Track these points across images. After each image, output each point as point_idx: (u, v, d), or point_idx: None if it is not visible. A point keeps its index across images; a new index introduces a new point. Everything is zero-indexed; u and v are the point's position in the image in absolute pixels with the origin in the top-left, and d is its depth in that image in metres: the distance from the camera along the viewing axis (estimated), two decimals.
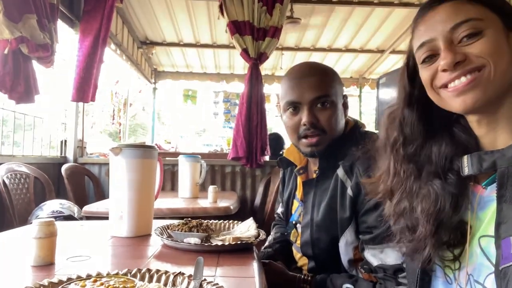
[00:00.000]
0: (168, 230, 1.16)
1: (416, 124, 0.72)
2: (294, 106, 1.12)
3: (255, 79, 3.32)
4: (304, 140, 1.11)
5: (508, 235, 0.56)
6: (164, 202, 2.08)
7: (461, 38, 0.63)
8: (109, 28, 2.94)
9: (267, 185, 3.21)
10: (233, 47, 3.64)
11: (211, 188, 2.25)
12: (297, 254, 1.27)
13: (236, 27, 3.30)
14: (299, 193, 1.26)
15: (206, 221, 1.22)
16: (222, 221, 1.29)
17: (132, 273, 0.71)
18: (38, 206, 2.20)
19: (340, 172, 1.07)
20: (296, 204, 1.30)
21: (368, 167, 0.97)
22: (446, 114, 0.70)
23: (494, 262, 0.58)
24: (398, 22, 4.29)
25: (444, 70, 0.64)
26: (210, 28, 4.54)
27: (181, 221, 1.19)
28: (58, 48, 2.41)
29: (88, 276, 0.65)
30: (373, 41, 4.97)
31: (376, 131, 0.96)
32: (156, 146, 1.31)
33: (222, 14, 3.36)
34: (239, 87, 6.35)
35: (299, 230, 1.22)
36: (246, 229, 1.16)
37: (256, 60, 3.33)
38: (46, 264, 0.85)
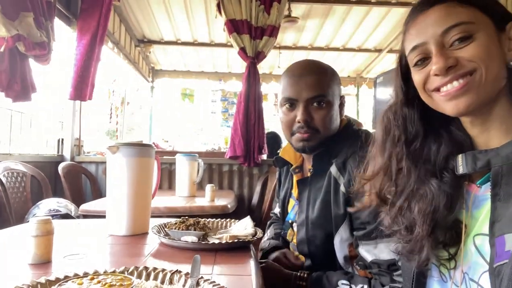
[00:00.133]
0: (165, 229, 1.16)
1: (418, 122, 0.73)
2: (290, 103, 1.14)
3: (252, 78, 3.32)
4: (297, 135, 1.13)
5: (502, 233, 0.57)
6: (161, 201, 2.08)
7: (452, 42, 0.63)
8: (107, 26, 2.93)
9: (264, 184, 3.22)
10: (231, 46, 3.64)
11: (208, 187, 2.25)
12: (293, 253, 1.28)
13: (234, 26, 3.30)
14: (295, 192, 1.27)
15: (203, 219, 1.23)
16: (219, 219, 1.29)
17: (129, 271, 0.71)
18: (35, 205, 2.20)
19: (333, 169, 1.09)
20: (292, 202, 1.31)
21: (360, 163, 0.98)
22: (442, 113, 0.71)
23: (488, 260, 0.59)
24: (395, 21, 4.30)
25: (436, 75, 0.65)
26: (207, 26, 4.54)
27: (178, 219, 1.20)
28: (55, 46, 2.40)
29: (85, 274, 0.65)
30: (371, 40, 4.98)
31: (373, 130, 0.97)
32: (153, 145, 1.31)
33: (220, 12, 3.36)
34: (237, 86, 6.35)
35: (295, 229, 1.23)
36: (243, 227, 1.16)
37: (253, 59, 3.33)
38: (43, 262, 0.86)
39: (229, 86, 6.69)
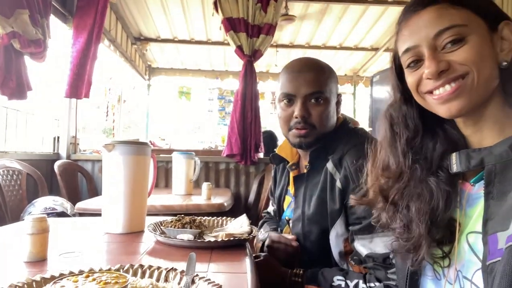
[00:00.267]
0: (161, 227, 1.16)
1: (417, 119, 0.73)
2: (289, 98, 1.16)
3: (249, 76, 3.32)
4: (293, 131, 1.15)
5: (495, 231, 0.57)
6: (158, 199, 2.08)
7: (445, 45, 0.64)
8: (103, 23, 2.92)
9: (261, 182, 3.22)
10: (228, 44, 3.64)
11: (205, 185, 2.25)
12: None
13: (231, 24, 3.30)
14: (291, 189, 1.28)
15: (199, 217, 1.23)
16: (215, 217, 1.29)
17: (125, 268, 0.71)
18: (30, 203, 2.20)
19: (329, 165, 1.10)
20: (288, 199, 1.32)
21: (356, 159, 1.01)
22: None
23: (481, 258, 0.59)
24: (392, 20, 4.30)
25: (428, 78, 0.65)
26: (204, 24, 4.53)
27: (174, 217, 1.20)
28: (51, 43, 2.39)
29: (81, 272, 0.65)
30: (367, 39, 4.98)
31: (369, 129, 0.97)
32: (149, 143, 1.31)
33: (217, 10, 3.36)
34: (234, 84, 6.34)
35: (291, 226, 1.24)
36: (239, 225, 1.17)
37: (250, 57, 3.33)
38: (39, 260, 0.86)
39: (226, 84, 6.69)
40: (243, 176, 3.42)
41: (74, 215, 2.11)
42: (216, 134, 6.99)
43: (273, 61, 5.53)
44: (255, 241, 1.34)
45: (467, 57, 0.62)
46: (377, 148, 0.79)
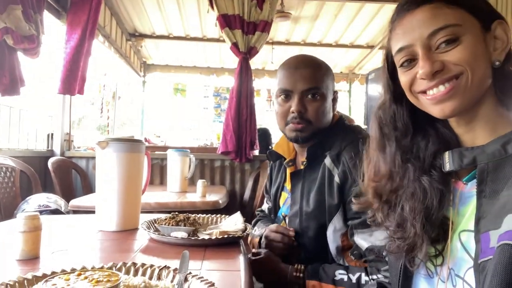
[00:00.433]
0: (155, 224, 1.16)
1: (406, 119, 0.73)
2: (286, 94, 1.18)
3: (245, 73, 3.31)
4: (290, 125, 1.17)
5: (487, 230, 0.57)
6: (152, 196, 2.07)
7: (439, 45, 0.63)
8: (97, 19, 2.89)
9: (256, 179, 3.22)
10: (223, 41, 3.63)
11: (200, 182, 2.25)
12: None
13: (226, 21, 3.28)
14: (288, 185, 1.29)
15: (193, 215, 1.23)
16: (209, 215, 1.29)
17: (117, 266, 0.71)
18: (24, 200, 2.18)
19: (327, 161, 1.12)
20: (284, 196, 1.33)
21: (354, 154, 1.02)
22: None
23: (473, 256, 0.59)
24: (387, 17, 4.24)
25: (422, 78, 0.65)
26: (200, 21, 4.51)
27: (168, 215, 1.20)
28: (45, 39, 2.37)
29: (73, 270, 0.65)
30: (363, 36, 4.99)
31: (365, 126, 0.98)
32: (143, 140, 1.31)
33: (212, 7, 3.34)
34: (230, 81, 6.32)
35: (288, 221, 1.25)
36: (233, 223, 1.17)
37: (246, 54, 3.32)
38: (31, 258, 0.85)
39: (221, 81, 6.67)
40: (238, 173, 3.42)
41: (68, 212, 2.10)
42: (211, 131, 6.97)
43: (268, 58, 5.51)
44: (250, 237, 1.34)
45: (461, 57, 0.62)
46: (369, 148, 0.79)
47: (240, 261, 0.89)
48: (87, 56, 2.82)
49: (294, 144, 1.28)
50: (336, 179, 1.08)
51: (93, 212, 1.28)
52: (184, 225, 1.11)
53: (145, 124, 6.48)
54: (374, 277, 0.98)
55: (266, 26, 3.34)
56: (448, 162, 0.66)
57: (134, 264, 0.72)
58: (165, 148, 3.35)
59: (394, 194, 0.74)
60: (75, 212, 1.87)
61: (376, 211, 0.77)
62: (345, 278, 1.02)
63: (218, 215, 1.29)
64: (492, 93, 0.65)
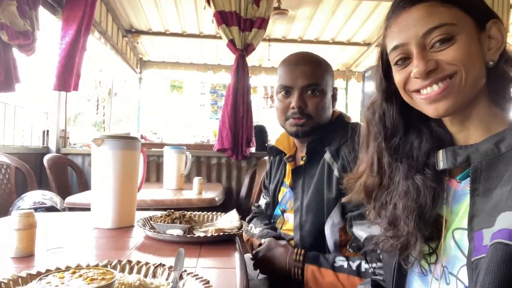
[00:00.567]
0: (151, 222, 1.16)
1: (397, 117, 0.73)
2: (286, 90, 1.21)
3: (241, 70, 3.30)
4: (290, 120, 1.20)
5: (480, 228, 0.58)
6: (148, 193, 2.07)
7: (433, 44, 0.64)
8: (93, 15, 2.88)
9: (252, 176, 3.22)
10: (220, 38, 3.61)
11: (196, 180, 2.25)
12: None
13: (223, 18, 3.27)
14: (287, 180, 1.31)
15: (189, 212, 1.23)
16: (205, 212, 1.29)
17: (112, 264, 0.71)
18: (19, 197, 2.17)
19: (327, 156, 1.14)
20: (283, 190, 1.34)
21: (354, 149, 1.03)
22: None
23: (467, 254, 0.60)
24: (384, 15, 4.29)
25: (416, 77, 0.65)
26: (196, 17, 4.49)
27: (164, 212, 1.19)
28: (40, 35, 2.35)
29: (67, 268, 0.65)
30: (360, 34, 4.99)
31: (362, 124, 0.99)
32: (139, 137, 1.30)
33: (209, 3, 3.32)
34: (226, 78, 6.31)
35: (285, 217, 1.27)
36: (229, 220, 1.17)
37: (242, 51, 3.31)
38: (26, 255, 0.85)
39: (218, 78, 6.65)
40: (235, 170, 3.42)
41: (63, 209, 2.09)
42: (208, 128, 6.96)
43: (265, 55, 5.50)
44: (246, 235, 1.35)
45: (455, 56, 0.62)
46: (360, 147, 0.80)
47: (236, 259, 0.89)
48: (82, 52, 2.81)
49: (294, 139, 1.30)
50: (336, 173, 1.10)
51: (89, 209, 1.27)
52: (180, 223, 1.11)
53: (142, 121, 6.46)
54: (374, 265, 0.99)
55: (263, 23, 3.33)
56: (441, 160, 0.66)
57: (129, 261, 0.72)
58: (161, 145, 3.35)
59: (384, 192, 0.74)
60: (70, 209, 1.87)
61: (368, 209, 0.78)
62: (345, 265, 1.03)
63: (214, 213, 1.29)
64: (486, 92, 0.66)
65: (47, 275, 0.59)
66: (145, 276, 0.69)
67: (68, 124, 3.35)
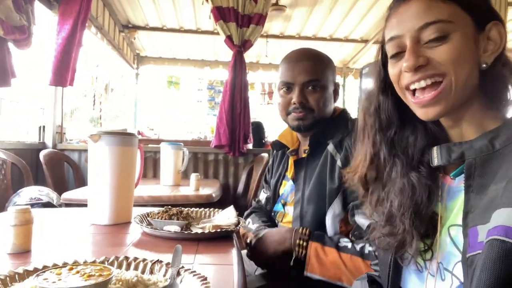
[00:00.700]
0: (148, 218, 1.16)
1: (392, 110, 0.73)
2: (287, 87, 1.23)
3: (239, 66, 3.30)
4: (292, 114, 1.22)
5: (475, 224, 0.58)
6: (145, 190, 2.07)
7: (428, 39, 0.63)
8: (89, 10, 2.85)
9: (249, 173, 3.23)
10: (217, 34, 3.60)
11: (193, 176, 2.25)
12: None
13: (220, 13, 3.26)
14: (289, 173, 1.32)
15: (186, 209, 1.23)
16: (202, 209, 1.29)
17: (110, 261, 0.71)
18: (15, 193, 2.16)
19: (330, 147, 1.16)
20: (285, 183, 1.35)
21: (356, 140, 1.03)
22: None
23: (462, 250, 0.60)
24: (382, 12, 4.24)
25: (405, 71, 0.66)
26: (194, 13, 4.46)
27: (161, 209, 1.19)
28: (36, 30, 2.33)
29: (64, 264, 0.65)
30: (358, 30, 4.98)
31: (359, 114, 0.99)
32: (136, 133, 1.30)
33: None
34: (224, 74, 6.29)
35: (286, 210, 1.28)
36: (226, 217, 1.17)
37: (240, 47, 3.30)
38: (22, 251, 0.85)
39: (215, 74, 6.63)
40: (232, 167, 3.42)
41: (60, 205, 2.09)
42: (205, 124, 6.95)
43: (263, 51, 5.48)
44: (242, 230, 1.35)
45: (446, 57, 0.62)
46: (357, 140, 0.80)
47: (233, 255, 0.89)
48: (79, 47, 2.79)
49: (297, 134, 1.32)
50: (338, 163, 1.12)
51: (85, 205, 1.27)
52: (177, 219, 1.11)
53: (138, 117, 6.44)
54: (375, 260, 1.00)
55: (260, 19, 3.32)
56: (436, 157, 0.67)
57: (127, 258, 0.72)
58: (158, 141, 3.34)
59: (380, 186, 0.74)
60: (67, 205, 1.86)
61: (365, 202, 0.78)
62: (349, 245, 1.04)
63: (211, 209, 1.29)
64: (479, 94, 0.65)
65: (44, 271, 0.59)
66: (143, 272, 0.69)
67: (65, 120, 3.34)
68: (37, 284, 0.54)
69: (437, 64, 0.63)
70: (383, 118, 0.74)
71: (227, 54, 5.43)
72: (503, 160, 0.59)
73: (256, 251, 1.14)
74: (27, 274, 0.63)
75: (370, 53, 5.72)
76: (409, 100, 0.68)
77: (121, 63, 5.45)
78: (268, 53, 5.42)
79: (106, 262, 0.70)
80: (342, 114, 1.28)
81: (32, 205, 1.91)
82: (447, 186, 0.69)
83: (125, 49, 5.21)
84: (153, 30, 5.01)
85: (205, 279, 0.62)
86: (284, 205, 1.31)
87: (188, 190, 2.20)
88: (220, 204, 1.99)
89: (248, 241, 1.18)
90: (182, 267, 0.69)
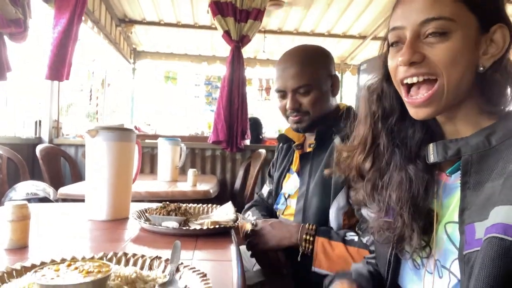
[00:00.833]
0: (146, 214, 1.15)
1: (394, 99, 0.73)
2: (281, 94, 1.26)
3: (236, 62, 3.28)
4: (290, 118, 1.26)
5: (471, 221, 0.58)
6: (143, 185, 2.06)
7: (427, 34, 0.63)
8: (85, 3, 2.83)
9: (247, 169, 3.22)
10: (215, 29, 3.58)
11: (190, 172, 2.24)
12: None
13: (218, 8, 3.24)
14: (294, 167, 1.33)
15: (184, 204, 1.22)
16: (200, 205, 1.29)
17: (108, 257, 0.70)
18: (11, 188, 2.15)
19: (337, 140, 1.16)
20: (289, 176, 1.36)
21: None
22: None
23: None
24: (380, 8, 4.29)
25: (400, 65, 0.66)
26: (191, 8, 4.43)
27: (159, 204, 1.19)
28: (32, 23, 2.31)
29: (63, 260, 0.64)
30: (356, 26, 4.97)
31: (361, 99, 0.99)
32: (134, 129, 1.29)
33: None
34: (221, 70, 6.27)
35: (288, 202, 1.29)
36: (225, 213, 1.17)
37: (238, 42, 3.28)
38: (20, 247, 0.84)
39: (213, 69, 6.61)
40: (229, 163, 3.42)
41: (56, 200, 2.08)
42: (203, 119, 6.92)
43: (261, 47, 5.46)
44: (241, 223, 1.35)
45: (442, 58, 0.62)
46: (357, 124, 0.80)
47: (232, 251, 0.89)
48: (75, 41, 2.76)
49: None
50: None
51: (82, 200, 1.26)
52: (175, 215, 1.11)
53: (135, 112, 6.41)
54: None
55: (258, 14, 3.31)
56: (432, 154, 0.67)
57: (125, 254, 0.72)
58: (155, 137, 3.33)
59: (377, 174, 0.74)
60: (64, 200, 1.85)
61: (357, 188, 0.78)
62: (356, 238, 1.05)
63: (210, 205, 1.29)
64: (475, 94, 0.65)
65: (42, 268, 0.58)
66: (141, 268, 0.69)
67: (61, 115, 3.32)
68: (35, 281, 0.53)
69: (432, 64, 0.63)
70: (386, 105, 0.74)
71: (225, 49, 5.40)
72: (500, 157, 0.59)
73: (255, 240, 1.14)
74: (24, 270, 0.62)
75: (368, 50, 5.72)
76: (403, 96, 0.68)
77: (117, 57, 5.41)
78: (266, 48, 5.40)
79: (104, 258, 0.69)
80: (349, 109, 1.27)
81: (29, 200, 1.90)
82: (443, 183, 0.68)
83: (121, 44, 5.17)
84: (150, 24, 4.98)
85: (205, 275, 0.62)
86: (286, 197, 1.32)
87: (186, 185, 2.19)
88: (218, 200, 1.99)
89: (246, 228, 1.18)
90: (181, 263, 0.68)
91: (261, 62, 6.19)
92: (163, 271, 0.68)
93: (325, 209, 1.13)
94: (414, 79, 0.64)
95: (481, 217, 0.56)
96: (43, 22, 2.91)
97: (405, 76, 0.65)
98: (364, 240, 1.03)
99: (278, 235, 1.12)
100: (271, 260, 1.16)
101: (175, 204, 1.18)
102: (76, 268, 0.58)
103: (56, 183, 2.48)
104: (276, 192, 1.41)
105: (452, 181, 0.67)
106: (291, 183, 1.32)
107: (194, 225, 1.07)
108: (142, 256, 0.71)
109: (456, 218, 0.62)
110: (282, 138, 1.41)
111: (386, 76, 0.74)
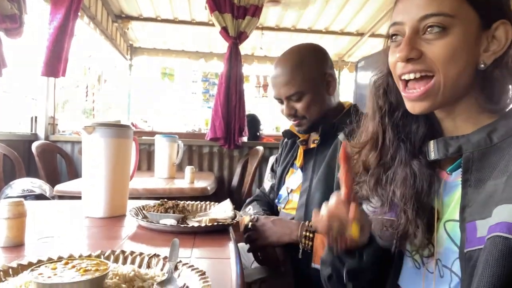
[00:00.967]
0: (143, 211, 1.15)
1: (399, 92, 0.72)
2: (279, 102, 1.30)
3: (234, 58, 3.27)
4: (291, 121, 1.31)
5: (473, 219, 0.58)
6: (140, 182, 2.05)
7: (426, 30, 0.62)
8: None
9: (244, 166, 3.22)
10: (213, 25, 3.56)
11: (188, 169, 2.23)
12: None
13: (216, 4, 3.22)
14: (298, 162, 1.35)
15: (182, 202, 1.22)
16: (198, 202, 1.28)
17: (106, 254, 0.70)
18: (7, 184, 2.14)
19: (341, 136, 1.17)
20: (292, 171, 1.38)
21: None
22: None
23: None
24: (378, 5, 4.29)
25: (397, 61, 0.65)
26: (189, 4, 4.41)
27: (157, 202, 1.18)
28: (28, 19, 2.29)
29: (60, 258, 0.63)
30: (353, 24, 4.96)
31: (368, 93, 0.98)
32: (131, 125, 1.28)
33: None
34: (218, 66, 6.24)
35: (291, 196, 1.31)
36: (223, 210, 1.16)
37: (235, 39, 3.27)
38: (16, 245, 0.83)
39: (210, 66, 6.58)
40: (227, 160, 3.41)
41: (53, 197, 2.07)
42: (200, 116, 6.90)
43: (258, 44, 5.44)
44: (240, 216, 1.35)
45: (440, 55, 0.61)
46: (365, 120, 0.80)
47: (230, 249, 0.89)
48: (71, 37, 2.74)
49: None
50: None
51: (78, 197, 1.25)
52: (173, 212, 1.10)
53: (132, 109, 6.37)
54: None
55: (256, 11, 3.29)
56: (433, 151, 0.66)
57: (123, 252, 0.71)
58: (152, 133, 3.32)
59: (381, 169, 0.73)
60: (60, 197, 1.84)
61: (362, 182, 0.77)
62: None
63: (207, 202, 1.28)
64: (475, 90, 0.64)
65: (39, 266, 0.58)
66: (140, 266, 0.68)
67: (57, 111, 3.29)
68: (32, 280, 0.53)
69: (429, 61, 0.62)
70: (392, 99, 0.73)
71: (222, 46, 5.38)
72: (502, 154, 0.58)
73: (255, 235, 1.16)
74: (21, 268, 0.62)
75: (366, 47, 5.71)
76: (401, 90, 0.68)
77: (114, 54, 5.37)
78: (263, 45, 5.38)
79: (102, 256, 0.69)
80: (352, 108, 1.30)
81: (25, 197, 1.88)
82: (443, 181, 0.68)
83: (118, 40, 5.13)
84: (146, 20, 4.94)
85: (204, 273, 0.61)
86: (289, 191, 1.33)
87: (183, 182, 2.19)
88: (215, 197, 1.98)
89: (245, 222, 1.18)
90: (180, 261, 0.68)
91: (258, 59, 6.17)
92: (162, 269, 0.67)
93: None
94: (411, 76, 0.64)
95: (482, 215, 0.56)
96: (39, 17, 2.88)
97: (402, 72, 0.65)
98: None
99: (278, 231, 1.14)
100: (269, 256, 1.16)
101: (173, 201, 1.17)
102: (74, 267, 0.57)
103: (53, 180, 2.47)
104: (278, 187, 1.42)
105: (453, 179, 0.66)
106: (294, 178, 1.33)
107: (192, 223, 1.07)
108: (140, 254, 0.71)
109: (457, 217, 0.61)
110: (287, 133, 1.44)
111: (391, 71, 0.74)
